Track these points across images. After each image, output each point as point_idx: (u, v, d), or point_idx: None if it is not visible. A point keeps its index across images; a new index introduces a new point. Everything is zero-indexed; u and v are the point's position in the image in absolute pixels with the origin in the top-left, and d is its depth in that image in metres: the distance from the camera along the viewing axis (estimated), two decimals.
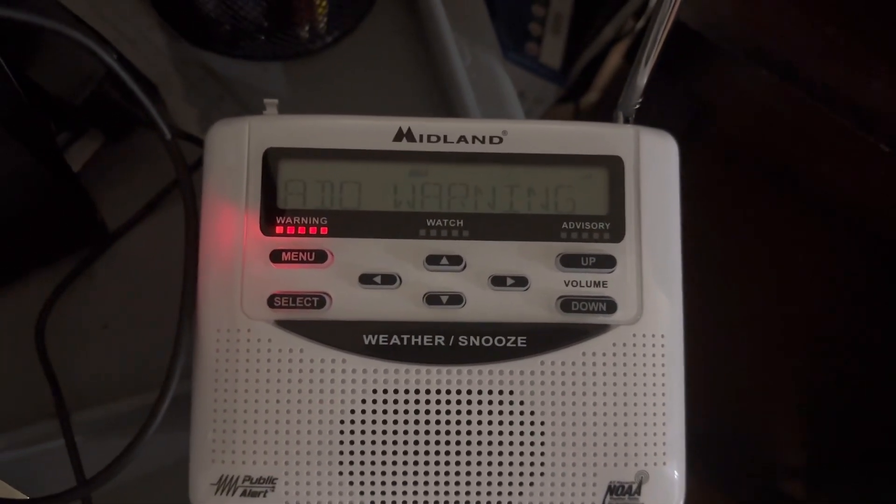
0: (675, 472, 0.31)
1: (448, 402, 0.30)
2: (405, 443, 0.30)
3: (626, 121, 0.33)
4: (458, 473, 0.30)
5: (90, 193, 0.39)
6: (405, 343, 0.30)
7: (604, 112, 0.33)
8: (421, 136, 0.31)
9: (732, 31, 0.47)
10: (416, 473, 0.30)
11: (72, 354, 0.37)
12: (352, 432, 0.30)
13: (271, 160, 0.31)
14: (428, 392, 0.30)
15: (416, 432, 0.30)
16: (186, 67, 0.42)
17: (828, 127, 0.44)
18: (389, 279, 0.30)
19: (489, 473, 0.30)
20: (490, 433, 0.30)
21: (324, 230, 0.31)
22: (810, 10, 0.40)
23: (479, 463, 0.30)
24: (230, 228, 0.31)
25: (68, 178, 0.37)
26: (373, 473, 0.29)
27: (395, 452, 0.30)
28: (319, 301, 0.30)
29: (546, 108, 0.71)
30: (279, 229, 0.31)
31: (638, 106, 0.33)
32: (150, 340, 0.34)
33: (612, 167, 0.31)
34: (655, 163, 0.32)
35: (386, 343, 0.30)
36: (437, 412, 0.30)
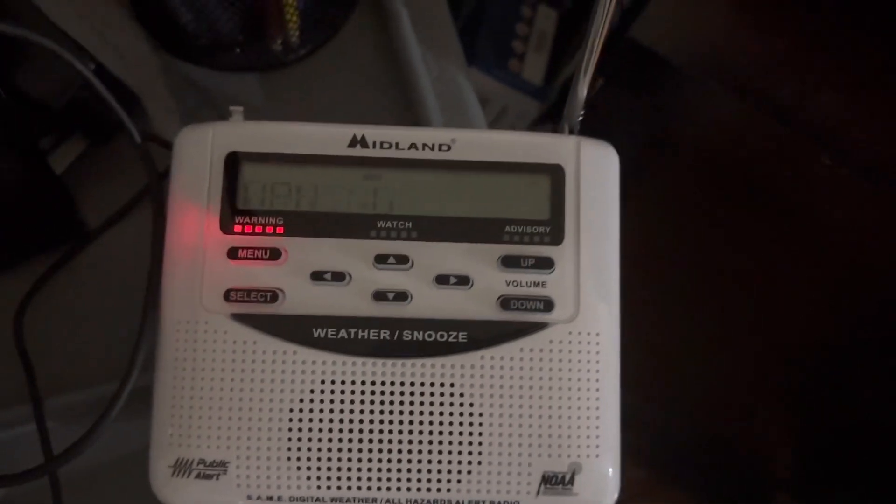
0: (610, 469, 0.32)
1: (392, 392, 0.31)
2: (350, 430, 0.31)
3: (571, 131, 0.35)
4: (399, 461, 0.31)
5: (72, 194, 0.41)
6: (352, 337, 0.32)
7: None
8: (374, 143, 0.33)
9: (688, 50, 0.49)
10: (360, 460, 0.31)
11: (48, 345, 0.39)
12: (300, 420, 0.31)
13: (233, 163, 0.33)
14: (373, 384, 0.32)
15: (362, 421, 0.31)
16: (168, 77, 0.44)
17: (777, 137, 0.46)
18: (339, 276, 0.32)
19: (429, 461, 0.31)
20: (431, 423, 0.31)
21: (280, 229, 0.33)
22: (761, 26, 0.42)
23: (419, 451, 0.31)
24: (193, 226, 0.33)
25: (50, 178, 0.39)
26: (319, 459, 0.31)
27: (340, 440, 0.31)
28: (272, 296, 0.32)
29: (528, 123, 0.73)
30: (237, 228, 0.33)
31: (581, 117, 0.35)
32: (123, 333, 0.35)
33: (554, 175, 0.33)
34: (595, 171, 0.33)
35: (334, 336, 0.32)
36: (382, 402, 0.31)
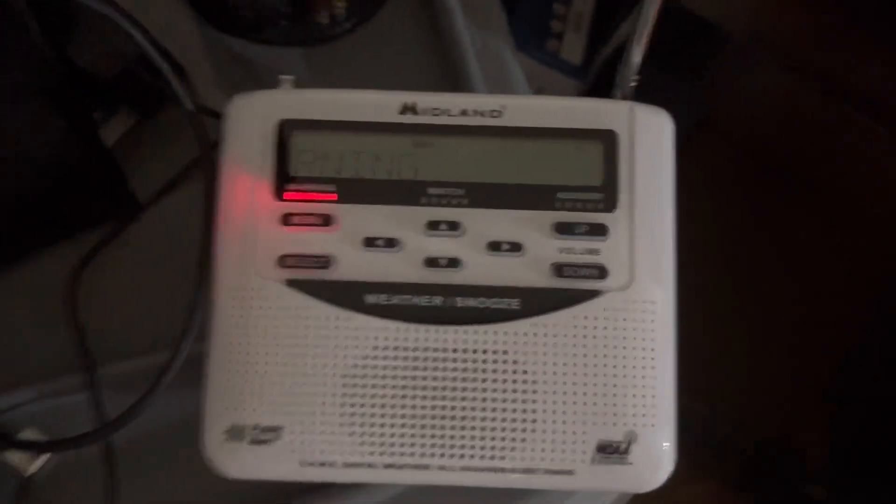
0: (665, 442, 0.32)
1: (444, 359, 0.31)
2: (403, 397, 0.31)
3: (624, 97, 0.35)
4: (453, 428, 0.31)
5: (122, 167, 0.41)
6: (405, 303, 0.32)
7: None
8: (425, 110, 0.33)
9: (736, 19, 0.48)
10: (413, 427, 0.31)
11: (101, 314, 0.39)
12: (354, 386, 0.31)
13: (284, 131, 0.33)
14: (425, 350, 0.31)
15: (415, 388, 0.31)
16: (213, 51, 0.44)
17: (826, 111, 0.45)
18: (391, 243, 0.32)
19: (482, 429, 0.31)
20: (484, 390, 0.31)
21: (332, 196, 0.33)
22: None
23: (473, 419, 0.31)
24: (245, 194, 0.33)
25: (101, 150, 0.40)
26: (372, 425, 0.31)
27: (393, 406, 0.31)
28: (325, 262, 0.32)
29: None
30: (290, 195, 0.33)
31: (634, 83, 0.34)
32: (175, 302, 0.36)
33: (607, 140, 0.33)
34: (649, 137, 0.33)
35: (387, 302, 0.32)
36: (435, 369, 0.31)
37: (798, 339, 0.66)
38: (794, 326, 0.65)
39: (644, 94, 0.35)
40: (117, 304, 0.40)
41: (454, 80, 0.43)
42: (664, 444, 0.32)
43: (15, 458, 0.36)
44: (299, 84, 0.35)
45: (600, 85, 0.71)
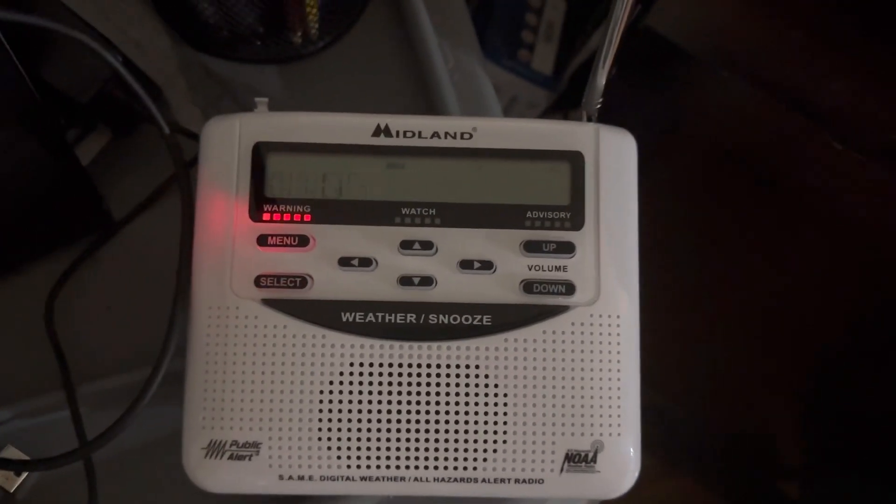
0: (631, 448, 0.33)
1: (419, 375, 0.32)
2: (379, 412, 0.32)
3: (590, 119, 0.36)
4: (427, 440, 0.32)
5: (97, 185, 0.42)
6: (380, 320, 0.33)
7: None
8: (397, 132, 0.34)
9: (701, 38, 0.50)
10: (388, 440, 0.32)
11: (78, 332, 0.40)
12: (330, 402, 0.32)
13: (260, 153, 0.34)
14: (400, 366, 0.32)
15: (390, 402, 0.32)
16: (188, 69, 0.45)
17: (790, 126, 0.47)
18: (366, 262, 0.33)
19: (456, 441, 0.32)
20: (457, 404, 0.32)
21: (307, 217, 0.33)
22: (774, 14, 0.43)
23: (446, 431, 0.32)
24: (222, 215, 0.33)
25: (77, 169, 0.40)
26: (349, 440, 0.32)
27: (369, 420, 0.32)
28: (301, 281, 0.33)
29: (538, 112, 0.74)
30: (266, 216, 0.33)
31: (599, 105, 0.35)
32: (151, 320, 0.36)
33: (574, 161, 0.34)
34: (614, 157, 0.34)
35: (362, 320, 0.33)
36: (409, 384, 0.32)
37: (771, 337, 0.67)
38: (767, 324, 0.67)
39: (617, 106, 0.36)
40: (94, 322, 0.40)
41: (427, 98, 0.44)
42: (630, 452, 0.33)
43: None
44: (274, 102, 0.35)
45: (571, 95, 0.73)
